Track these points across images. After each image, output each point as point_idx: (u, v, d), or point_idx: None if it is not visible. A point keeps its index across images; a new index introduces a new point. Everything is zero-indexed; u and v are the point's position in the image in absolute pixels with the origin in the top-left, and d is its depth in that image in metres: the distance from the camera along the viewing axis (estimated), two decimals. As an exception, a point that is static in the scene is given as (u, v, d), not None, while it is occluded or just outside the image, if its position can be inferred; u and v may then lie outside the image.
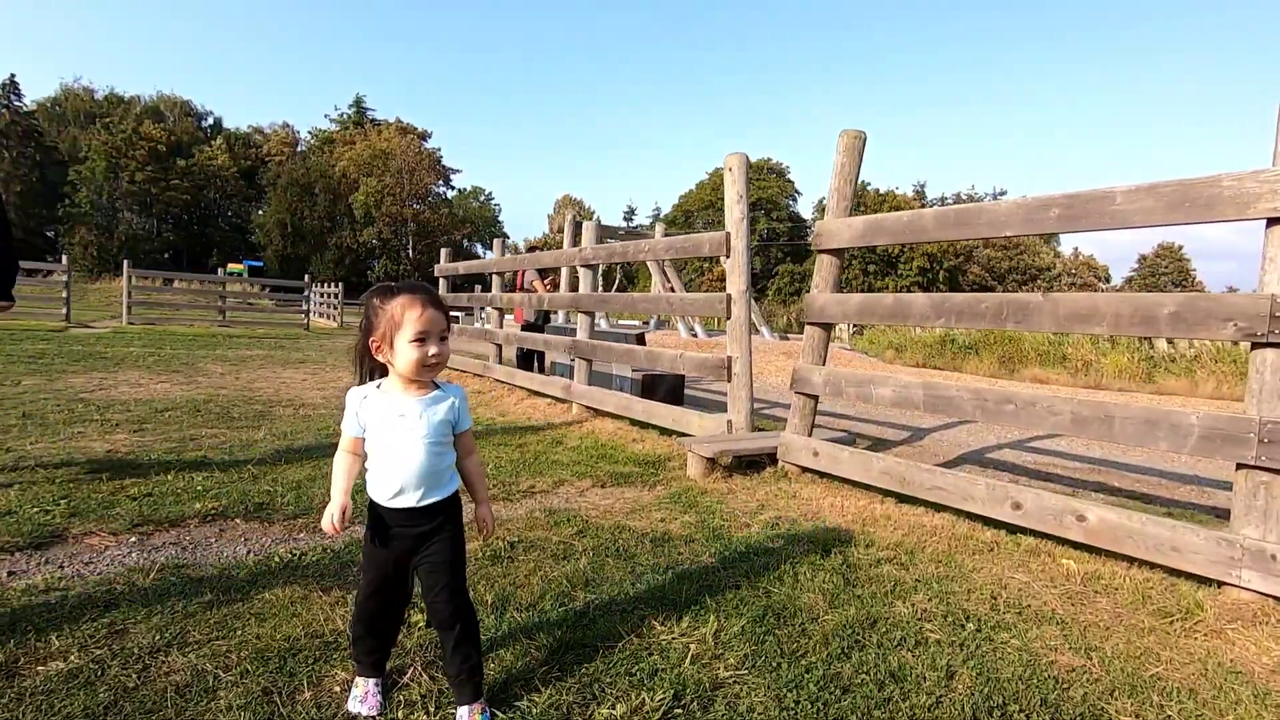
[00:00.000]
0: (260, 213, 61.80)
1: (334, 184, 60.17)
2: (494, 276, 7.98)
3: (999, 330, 17.08)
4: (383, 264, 62.07)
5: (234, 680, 1.69)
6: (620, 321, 28.83)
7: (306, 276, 21.07)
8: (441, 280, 9.51)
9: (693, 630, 2.07)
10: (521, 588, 2.32)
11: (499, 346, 7.97)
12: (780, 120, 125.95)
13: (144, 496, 3.15)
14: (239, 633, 1.92)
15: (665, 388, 6.66)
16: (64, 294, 16.24)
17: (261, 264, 52.31)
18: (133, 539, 2.67)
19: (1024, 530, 3.07)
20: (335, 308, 24.45)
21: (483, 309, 22.92)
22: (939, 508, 3.40)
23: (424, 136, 64.84)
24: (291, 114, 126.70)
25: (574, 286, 7.64)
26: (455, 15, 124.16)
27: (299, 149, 68.55)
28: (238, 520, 2.95)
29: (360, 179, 58.67)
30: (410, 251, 58.48)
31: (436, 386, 1.66)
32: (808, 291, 4.03)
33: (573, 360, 6.31)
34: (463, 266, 8.93)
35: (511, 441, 4.92)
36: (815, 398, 4.04)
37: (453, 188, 69.64)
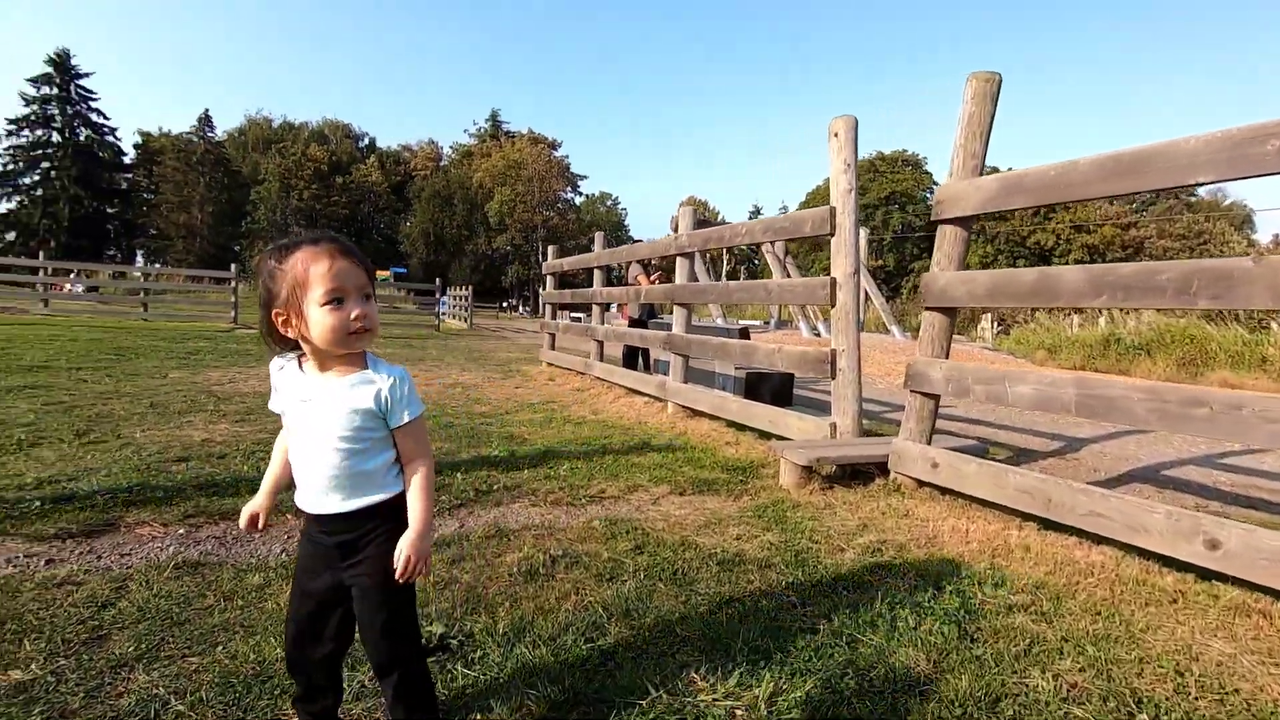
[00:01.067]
0: (407, 223, 66.63)
1: (471, 194, 63.69)
2: (596, 271, 7.76)
3: (1177, 328, 14.74)
4: (515, 269, 64.94)
5: (183, 710, 1.44)
6: (739, 320, 28.08)
7: (438, 280, 22.15)
8: (549, 278, 9.45)
9: (742, 690, 1.60)
10: (547, 614, 1.96)
11: (599, 344, 7.74)
12: (915, 109, 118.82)
13: (208, 486, 3.12)
14: (217, 650, 1.70)
15: (770, 387, 6.11)
16: (232, 299, 18.06)
17: (406, 270, 56.32)
18: (180, 530, 2.59)
19: (1224, 578, 2.30)
20: (465, 309, 25.64)
21: (607, 307, 23.14)
22: (1098, 539, 2.67)
23: (554, 146, 67.11)
24: (436, 131, 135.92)
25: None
26: (583, 25, 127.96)
27: (441, 163, 73.26)
28: (287, 515, 2.82)
29: (495, 189, 61.65)
30: (540, 256, 60.67)
31: (367, 365, 1.29)
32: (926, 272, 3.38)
33: (669, 356, 5.92)
34: (567, 262, 8.81)
35: (594, 441, 4.61)
36: (935, 397, 3.38)
37: (580, 193, 71.65)
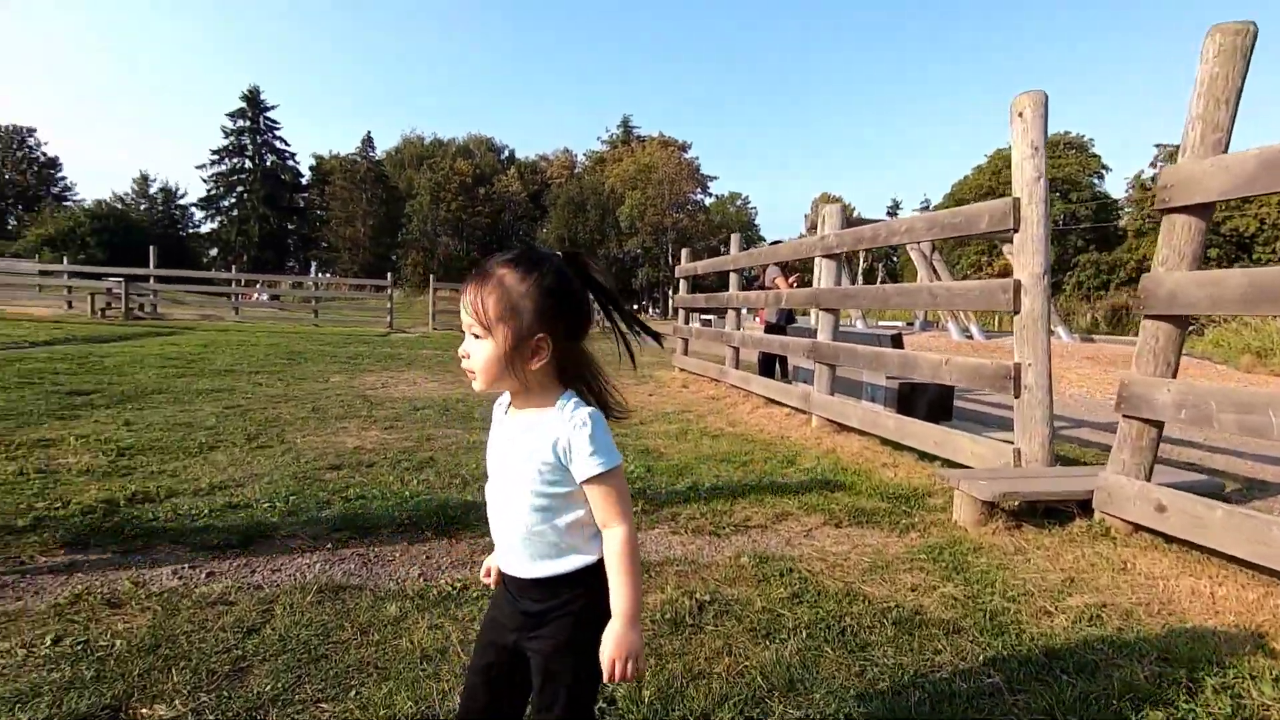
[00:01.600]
0: (544, 230, 69.44)
1: (603, 200, 65.27)
2: (732, 274, 7.46)
3: None
4: (645, 271, 65.76)
5: (312, 772, 1.33)
6: (880, 323, 26.60)
7: (572, 284, 22.69)
8: (682, 282, 9.26)
9: (953, 818, 1.26)
10: (697, 679, 1.70)
11: (735, 350, 7.42)
12: (1077, 87, 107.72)
13: (356, 499, 3.16)
14: (350, 695, 1.59)
15: (927, 400, 5.51)
16: (388, 305, 19.48)
17: (543, 275, 58.51)
18: (328, 545, 2.60)
19: None
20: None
21: (740, 311, 22.70)
22: None
23: (684, 148, 67.34)
24: (571, 140, 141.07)
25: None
26: (712, 25, 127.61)
27: (575, 171, 75.73)
28: (428, 533, 2.77)
29: (626, 193, 62.80)
30: (670, 259, 60.99)
31: (555, 404, 1.07)
32: (1146, 272, 2.79)
33: (813, 365, 5.51)
34: (701, 265, 8.56)
35: (735, 457, 4.32)
36: (1158, 425, 2.78)
37: (710, 194, 71.36)
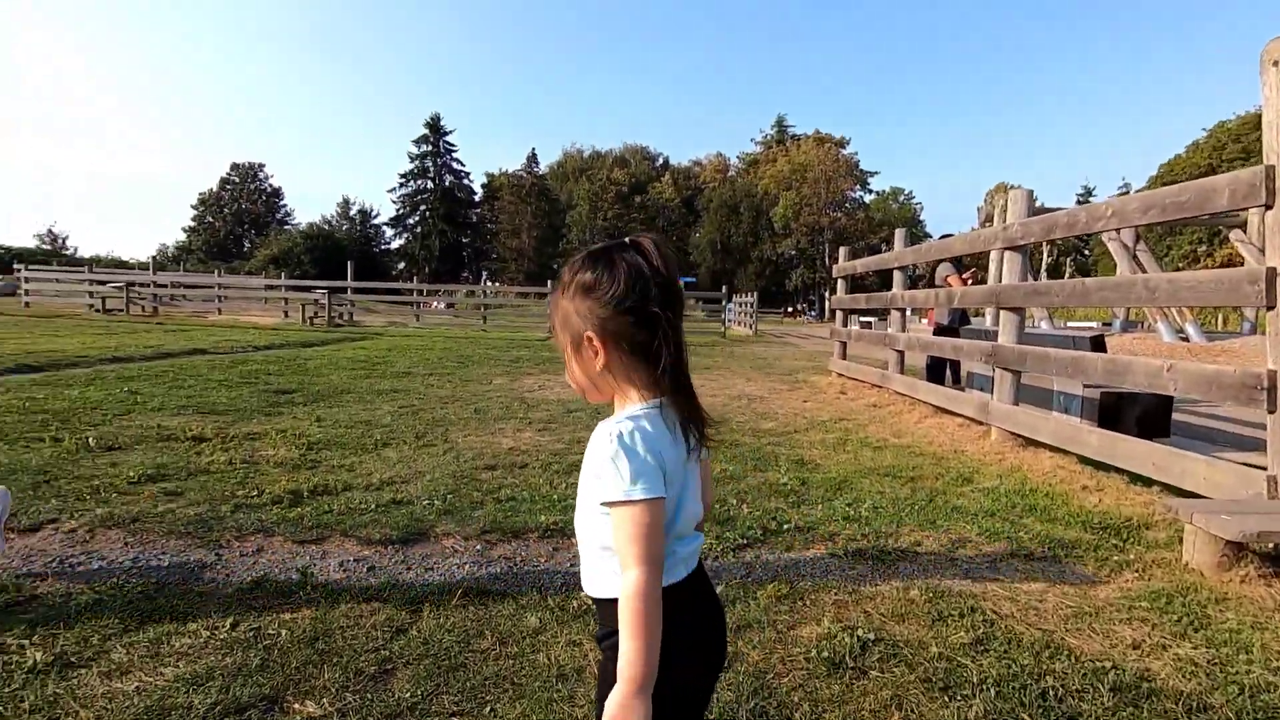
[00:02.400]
0: (696, 234, 69.86)
1: (757, 201, 64.38)
2: (896, 272, 6.89)
3: None
4: (800, 272, 63.96)
5: (441, 793, 1.28)
6: (1068, 323, 23.76)
7: (724, 288, 22.49)
8: (840, 281, 8.76)
9: None
10: (860, 737, 1.47)
11: (900, 353, 6.85)
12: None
13: (507, 500, 3.21)
14: (485, 711, 1.54)
15: (1138, 412, 4.71)
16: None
17: (695, 279, 58.89)
18: (478, 546, 2.64)
19: None
20: (751, 316, 25.70)
21: (905, 313, 21.23)
22: None
23: (841, 144, 64.76)
24: (724, 144, 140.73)
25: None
26: (870, 11, 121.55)
27: (729, 174, 75.45)
28: (573, 539, 2.73)
29: (780, 193, 61.47)
30: (826, 259, 58.79)
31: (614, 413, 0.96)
32: None
33: (993, 371, 4.91)
34: (861, 264, 8.03)
35: (901, 471, 3.92)
36: None
37: (870, 191, 68.03)
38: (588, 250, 0.96)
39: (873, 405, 6.42)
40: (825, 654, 1.81)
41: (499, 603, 2.12)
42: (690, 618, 0.94)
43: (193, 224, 69.52)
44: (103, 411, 4.95)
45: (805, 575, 2.41)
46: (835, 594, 2.22)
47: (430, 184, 71.98)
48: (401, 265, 72.68)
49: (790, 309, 59.65)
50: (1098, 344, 5.14)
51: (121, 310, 20.29)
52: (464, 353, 11.50)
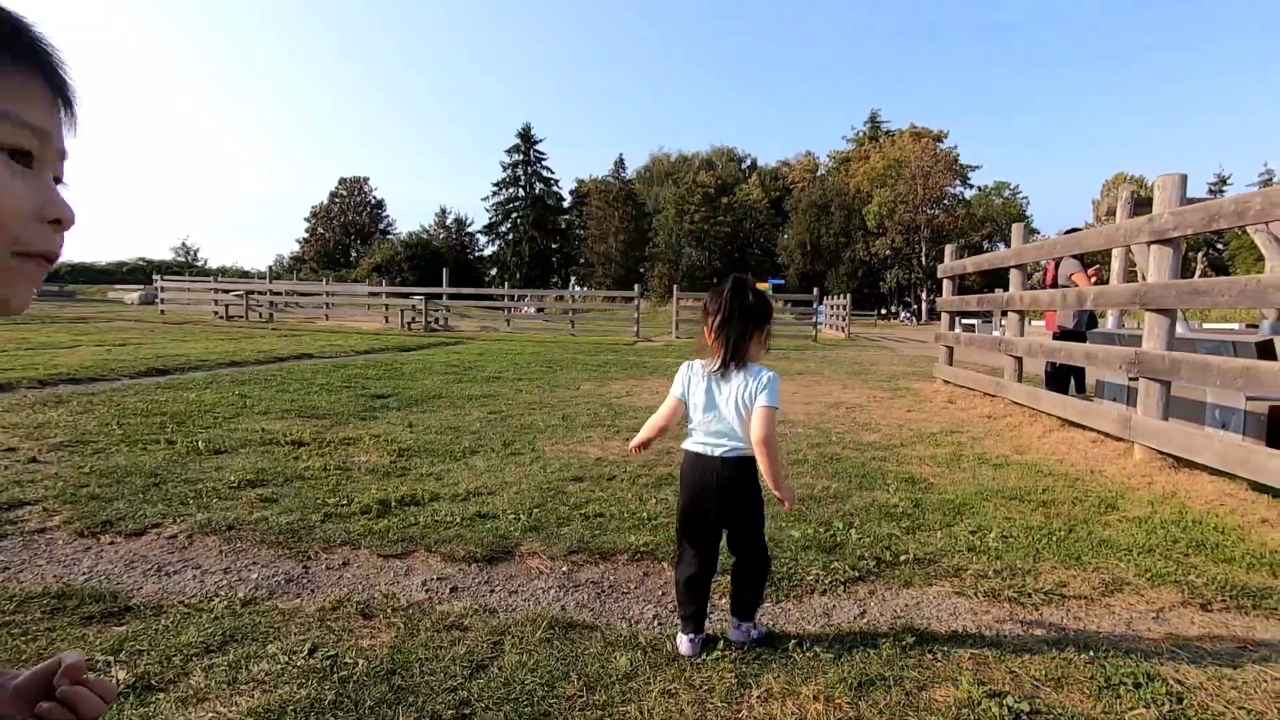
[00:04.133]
0: (784, 236, 68.46)
1: (848, 200, 62.39)
2: (1014, 271, 6.30)
3: None
4: (894, 273, 61.42)
5: None
6: (1205, 325, 21.56)
7: (815, 290, 21.76)
8: (946, 282, 8.17)
9: None
10: None
11: (1018, 360, 6.25)
12: None
13: (595, 516, 3.04)
14: (570, 774, 1.36)
15: (1322, 431, 4.03)
16: (635, 315, 20.40)
17: (784, 281, 57.67)
18: (563, 569, 2.49)
19: None
20: (844, 319, 24.76)
21: (1003, 315, 19.82)
22: None
23: (939, 138, 61.82)
24: (813, 142, 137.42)
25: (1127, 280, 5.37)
26: (962, 4, 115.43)
27: (818, 173, 73.51)
28: (663, 563, 2.53)
29: (873, 191, 59.29)
30: (923, 258, 56.18)
31: None
32: None
33: (1132, 380, 4.34)
34: (971, 263, 7.43)
35: (1030, 494, 3.49)
36: None
37: (971, 186, 64.53)
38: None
39: (987, 416, 5.88)
40: (951, 713, 1.52)
41: (586, 637, 1.94)
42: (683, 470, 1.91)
43: (305, 235, 74.54)
44: (215, 414, 5.18)
45: (931, 619, 2.11)
46: (971, 650, 1.90)
47: (521, 192, 74.07)
48: (494, 271, 75.12)
49: (884, 311, 57.37)
50: (1265, 350, 4.46)
51: (241, 316, 21.85)
52: (552, 357, 11.56)
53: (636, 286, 21.06)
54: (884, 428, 5.42)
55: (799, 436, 5.00)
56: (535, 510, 3.10)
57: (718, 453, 1.81)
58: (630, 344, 16.88)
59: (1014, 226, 6.19)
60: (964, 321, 20.86)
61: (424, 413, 5.65)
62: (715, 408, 1.84)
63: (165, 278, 26.01)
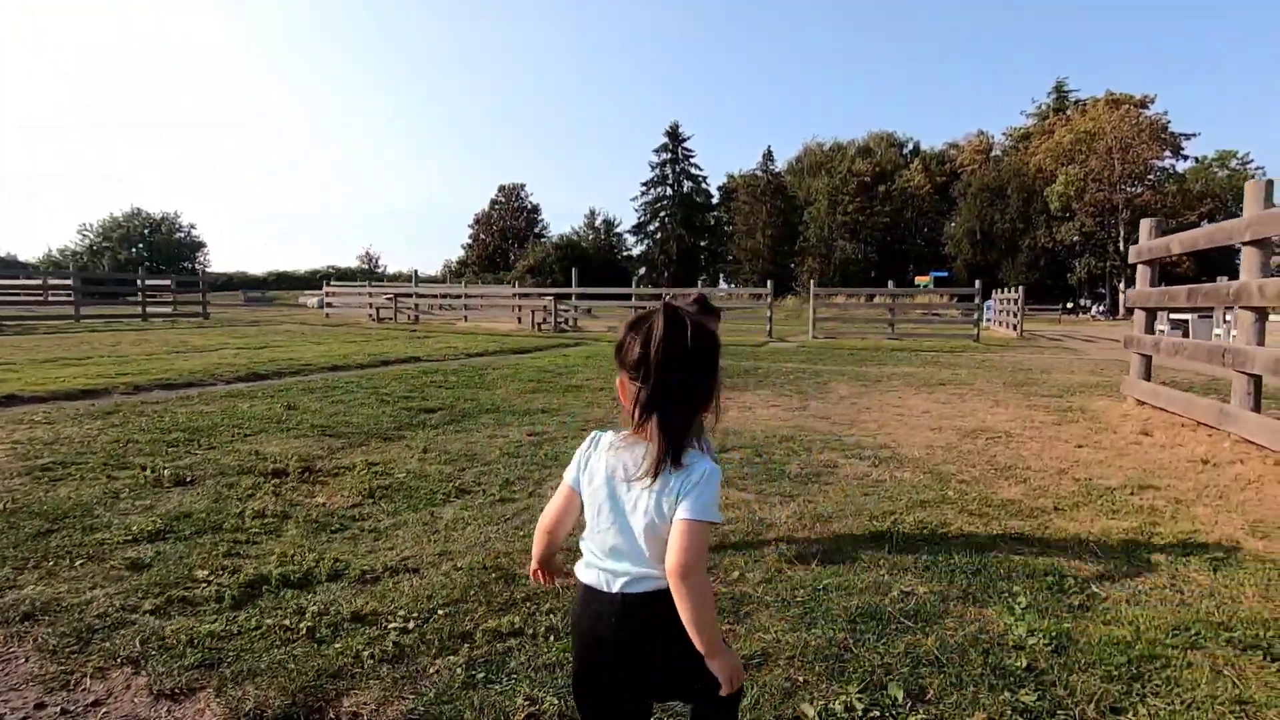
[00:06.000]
0: (950, 224, 62.50)
1: (1028, 182, 55.63)
2: (1246, 251, 4.38)
3: None
4: (1085, 261, 53.89)
5: None
6: None
7: (978, 283, 19.01)
8: (1141, 269, 6.17)
9: None
10: None
11: (1253, 378, 4.32)
12: None
13: (503, 638, 2.03)
14: None
15: None
16: (768, 314, 18.95)
17: (949, 274, 52.56)
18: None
19: None
20: (1015, 315, 21.50)
21: (1226, 311, 15.77)
22: None
23: (1143, 104, 53.18)
24: (986, 121, 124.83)
25: None
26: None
27: (992, 154, 66.37)
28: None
29: (1058, 169, 52.30)
30: (1122, 243, 48.52)
31: None
32: None
33: None
34: (1179, 241, 5.41)
35: (1283, 639, 1.98)
36: None
37: (1185, 158, 54.95)
38: None
39: (1201, 462, 4.08)
40: None
41: None
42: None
43: (469, 241, 79.62)
44: (234, 431, 4.78)
45: None
46: None
47: (669, 190, 73.96)
48: (642, 270, 75.70)
49: (1072, 305, 50.39)
50: None
51: (391, 318, 23.14)
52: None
53: (769, 283, 19.59)
54: (1035, 475, 3.88)
55: (900, 485, 3.63)
56: (436, 614, 2.14)
57: (616, 586, 1.14)
58: (760, 345, 15.53)
59: (1249, 186, 4.26)
60: (1173, 318, 17.09)
61: (459, 432, 4.94)
62: (618, 512, 1.15)
63: (331, 283, 28.41)
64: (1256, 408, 4.21)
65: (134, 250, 70.43)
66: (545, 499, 3.21)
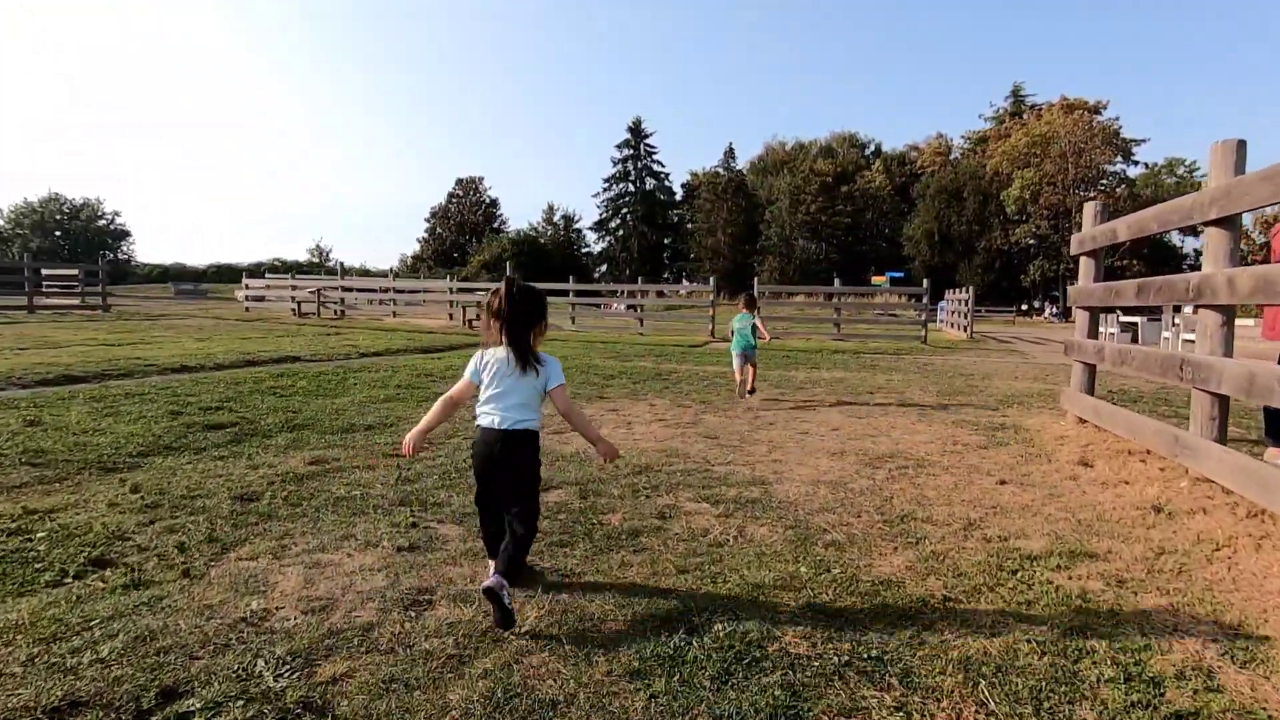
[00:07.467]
0: (909, 225, 62.58)
1: (984, 184, 55.89)
2: (1210, 233, 3.43)
3: None
4: (1038, 264, 54.33)
5: None
6: None
7: (925, 282, 18.29)
8: (1084, 261, 5.27)
9: None
10: None
11: (1218, 399, 3.36)
12: None
13: None
14: None
15: None
16: (710, 313, 17.97)
17: (904, 274, 52.45)
18: None
19: None
20: (965, 316, 20.90)
21: (1176, 311, 14.94)
22: None
23: (1096, 109, 53.81)
24: (947, 124, 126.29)
25: None
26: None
27: (950, 156, 66.68)
28: None
29: (1014, 173, 52.59)
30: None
31: None
32: None
33: None
34: (1126, 224, 4.47)
35: None
36: None
37: (1136, 163, 55.78)
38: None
39: (1154, 510, 3.11)
40: None
41: None
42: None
43: (425, 235, 77.29)
44: (-106, 460, 3.53)
45: None
46: None
47: (631, 187, 72.80)
48: (604, 267, 74.35)
49: (1026, 307, 50.64)
50: None
51: (314, 313, 21.56)
52: (587, 361, 9.46)
53: (711, 280, 18.61)
54: (935, 531, 2.86)
55: (742, 552, 2.57)
56: None
57: (505, 425, 2.13)
58: (699, 345, 14.52)
59: (1214, 147, 3.30)
60: (1123, 320, 16.47)
61: (220, 459, 3.79)
62: (508, 385, 2.17)
63: (266, 276, 26.65)
64: (1221, 437, 3.26)
65: (49, 238, 66.73)
66: (214, 585, 2.10)
